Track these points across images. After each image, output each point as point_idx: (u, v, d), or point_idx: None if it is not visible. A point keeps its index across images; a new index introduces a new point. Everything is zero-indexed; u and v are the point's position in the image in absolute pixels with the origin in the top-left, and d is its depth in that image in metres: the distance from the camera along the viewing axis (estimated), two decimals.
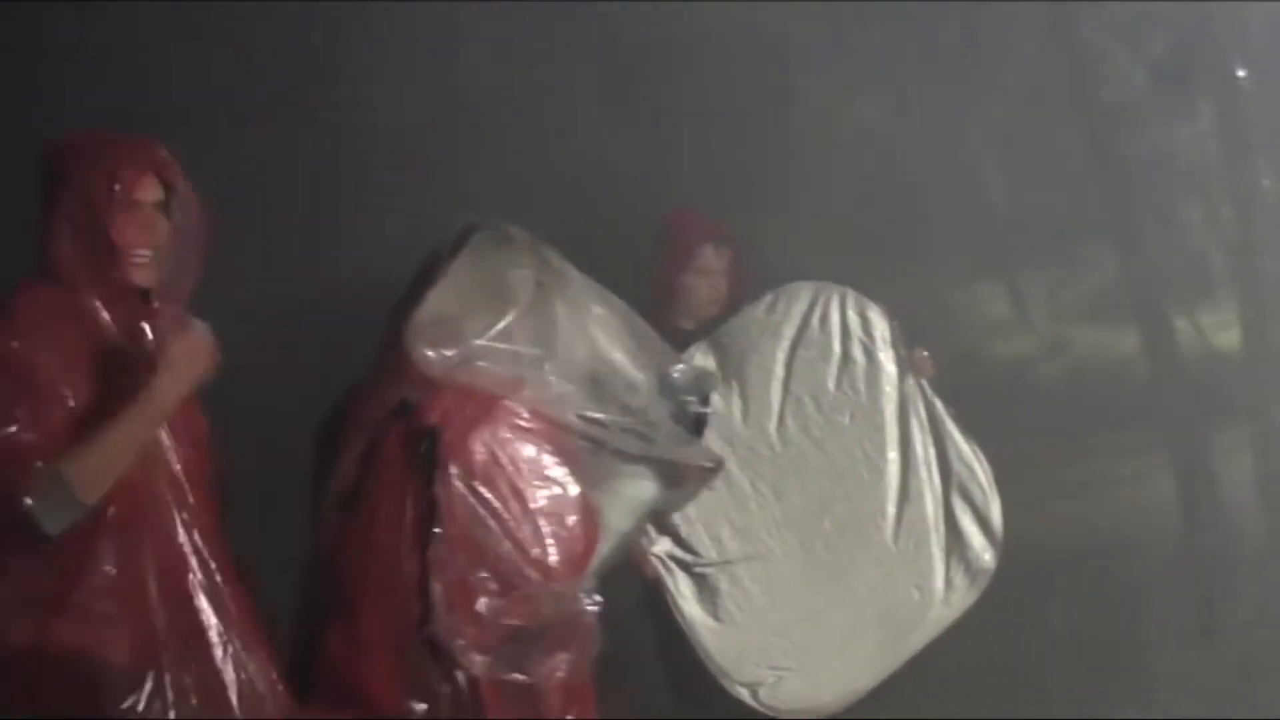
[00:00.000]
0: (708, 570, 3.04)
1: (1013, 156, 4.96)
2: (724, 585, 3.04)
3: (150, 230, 2.43)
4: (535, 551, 2.10)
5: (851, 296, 3.14)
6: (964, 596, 3.17)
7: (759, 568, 2.98)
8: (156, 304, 2.44)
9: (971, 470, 3.14)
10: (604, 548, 2.28)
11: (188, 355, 2.35)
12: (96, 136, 2.52)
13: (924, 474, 3.12)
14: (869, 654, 3.14)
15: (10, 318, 2.38)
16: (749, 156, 4.03)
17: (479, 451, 2.12)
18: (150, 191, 2.46)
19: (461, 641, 2.13)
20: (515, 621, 2.11)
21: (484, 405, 2.17)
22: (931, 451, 3.13)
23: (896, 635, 3.15)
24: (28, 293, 2.45)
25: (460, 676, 2.13)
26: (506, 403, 2.20)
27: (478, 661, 2.09)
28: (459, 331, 2.21)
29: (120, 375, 2.36)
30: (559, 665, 2.16)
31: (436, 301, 2.24)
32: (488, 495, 2.10)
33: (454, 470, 2.08)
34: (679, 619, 3.07)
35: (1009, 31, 5.10)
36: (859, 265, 3.42)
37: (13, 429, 2.27)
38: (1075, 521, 4.65)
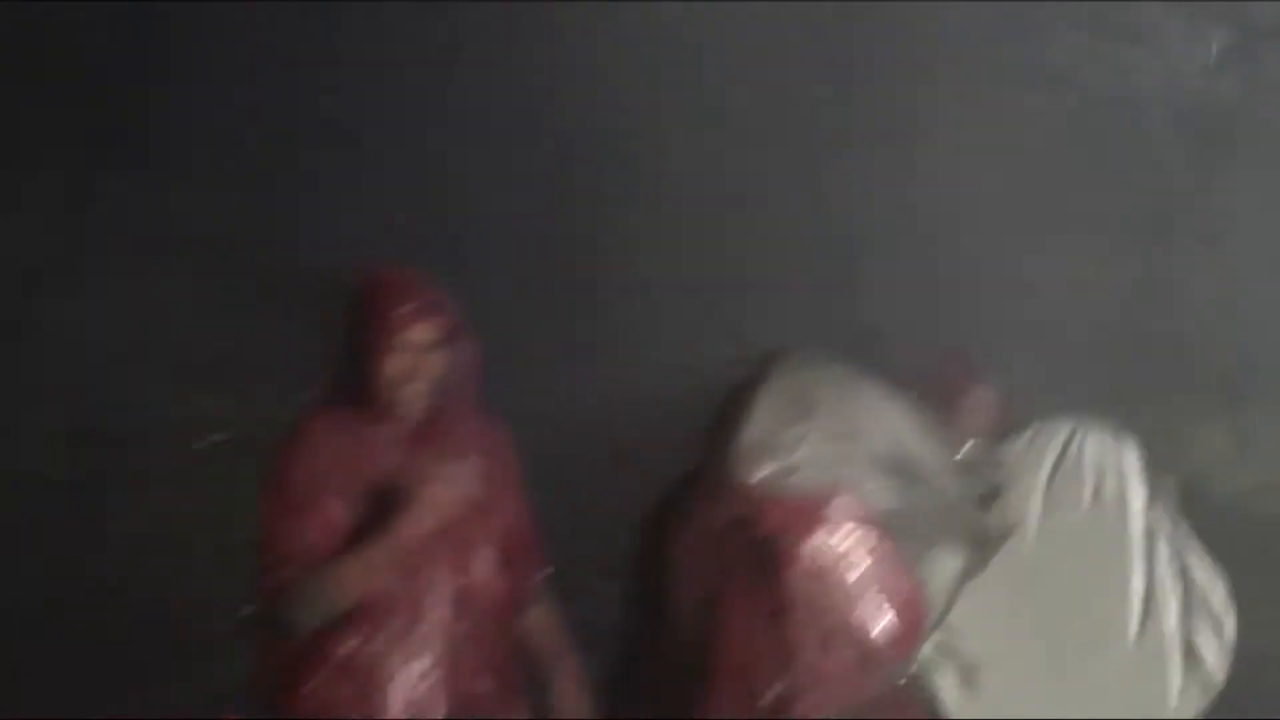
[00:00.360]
0: (971, 663, 3.36)
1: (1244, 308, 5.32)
2: (981, 678, 3.37)
3: (416, 369, 2.97)
4: (874, 632, 2.53)
5: (1107, 430, 3.51)
6: (1194, 705, 3.45)
7: (1012, 667, 3.32)
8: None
9: (1212, 588, 3.44)
10: (928, 623, 2.69)
11: (433, 498, 2.85)
12: (381, 280, 3.03)
13: (1167, 588, 3.44)
14: None
15: (295, 440, 2.97)
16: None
17: (811, 553, 2.56)
18: (420, 335, 2.99)
19: (789, 702, 2.57)
20: (858, 696, 2.56)
21: (810, 511, 2.61)
22: (1172, 569, 3.44)
23: None
24: (314, 417, 3.01)
25: None
26: (829, 505, 2.63)
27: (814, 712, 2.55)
28: (776, 450, 2.66)
29: (386, 495, 2.87)
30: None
31: (755, 427, 2.67)
32: (827, 589, 2.54)
33: (796, 571, 2.51)
34: (938, 706, 3.39)
35: None
36: (1106, 402, 3.81)
37: (281, 545, 2.88)
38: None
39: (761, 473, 2.53)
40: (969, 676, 3.20)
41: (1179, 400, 4.74)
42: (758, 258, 6.01)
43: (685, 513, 2.64)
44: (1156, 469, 3.39)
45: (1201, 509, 4.36)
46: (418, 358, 2.99)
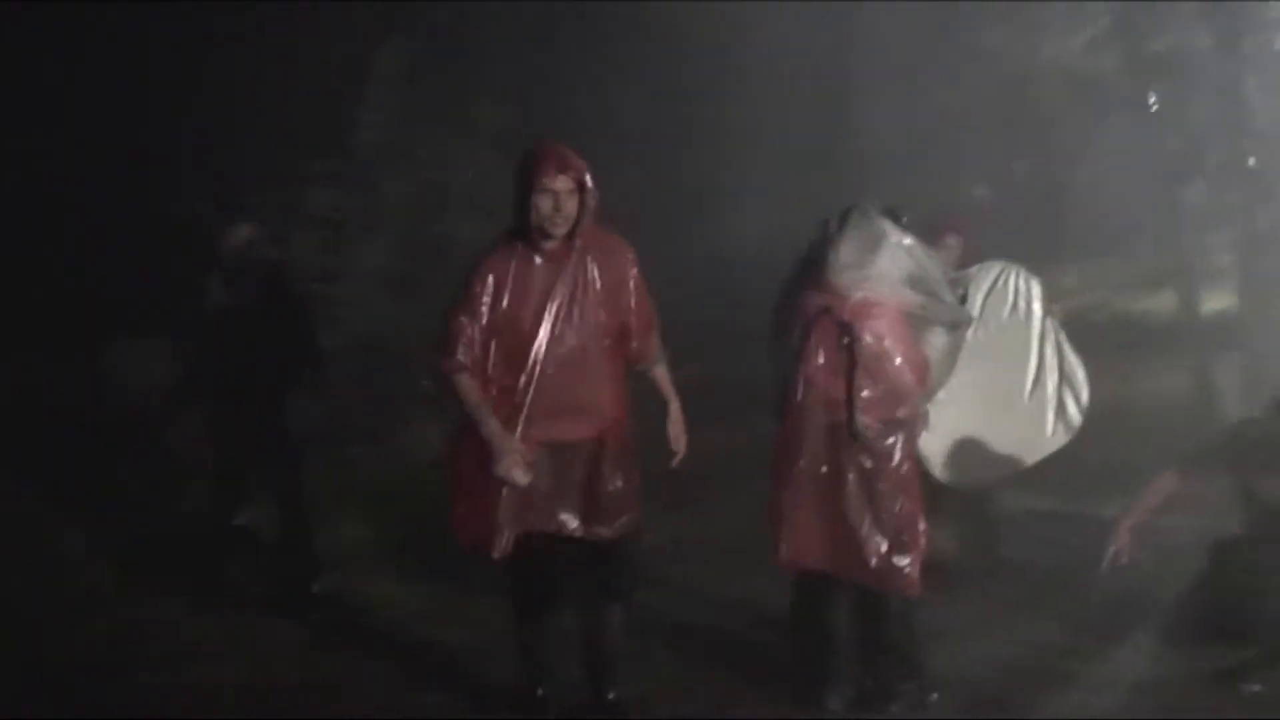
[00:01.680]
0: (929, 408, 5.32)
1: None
2: (933, 418, 5.32)
3: (558, 208, 4.08)
4: (907, 375, 4.39)
5: (1022, 269, 5.58)
6: (1060, 440, 5.57)
7: (955, 401, 5.29)
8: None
9: (1076, 370, 5.55)
10: (932, 375, 4.56)
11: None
12: (535, 148, 4.14)
13: (1049, 367, 5.54)
14: (1004, 458, 5.51)
15: (478, 265, 4.16)
16: None
17: (870, 331, 4.36)
18: (560, 183, 4.07)
19: (868, 423, 4.27)
20: (898, 414, 4.33)
21: (872, 306, 4.40)
22: (1055, 356, 5.55)
23: (1021, 452, 5.54)
24: (494, 246, 4.20)
25: (860, 440, 4.23)
26: (882, 303, 4.39)
27: (874, 434, 4.24)
28: (856, 268, 4.40)
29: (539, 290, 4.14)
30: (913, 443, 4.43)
31: (843, 251, 4.44)
32: (878, 352, 4.37)
33: (864, 338, 4.30)
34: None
35: None
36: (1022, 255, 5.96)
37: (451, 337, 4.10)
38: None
39: (846, 281, 4.32)
40: (927, 416, 5.09)
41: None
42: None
43: (786, 300, 4.47)
44: (1050, 296, 5.51)
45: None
46: (558, 199, 4.13)
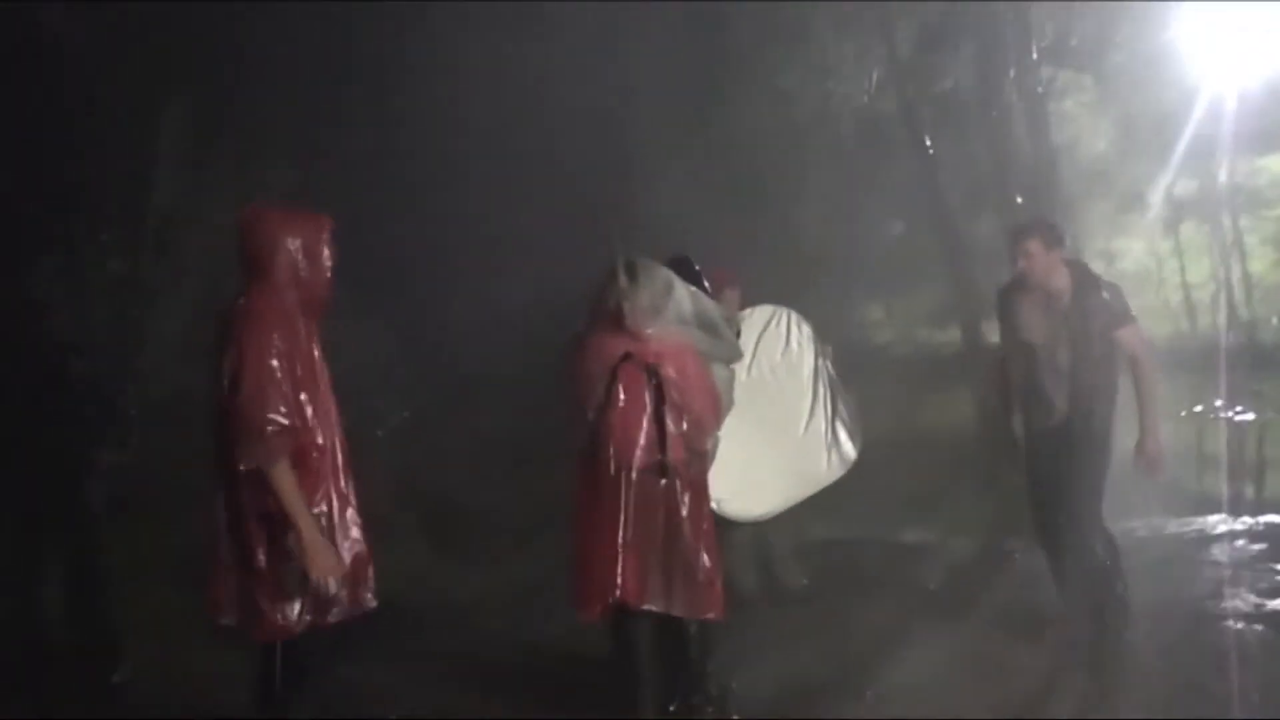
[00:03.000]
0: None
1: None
2: (720, 449, 5.75)
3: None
4: (704, 409, 4.79)
5: (794, 313, 6.07)
6: (836, 473, 6.05)
7: (733, 440, 5.72)
8: None
9: (848, 408, 6.05)
10: (721, 408, 4.95)
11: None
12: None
13: (822, 406, 6.03)
14: (780, 493, 5.95)
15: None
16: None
17: (672, 369, 4.76)
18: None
19: (677, 457, 4.81)
20: (701, 447, 4.76)
21: (670, 347, 4.81)
22: (827, 394, 6.04)
23: (795, 486, 5.99)
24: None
25: (670, 476, 4.62)
26: (677, 344, 4.80)
27: (678, 465, 4.83)
28: (654, 314, 4.78)
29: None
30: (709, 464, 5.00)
31: (641, 297, 4.81)
32: (682, 387, 4.73)
33: (666, 376, 4.69)
34: None
35: None
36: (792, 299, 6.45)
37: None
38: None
39: (648, 326, 4.69)
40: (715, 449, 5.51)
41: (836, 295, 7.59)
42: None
43: (583, 349, 4.78)
44: (822, 337, 6.02)
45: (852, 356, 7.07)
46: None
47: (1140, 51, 12.76)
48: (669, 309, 4.82)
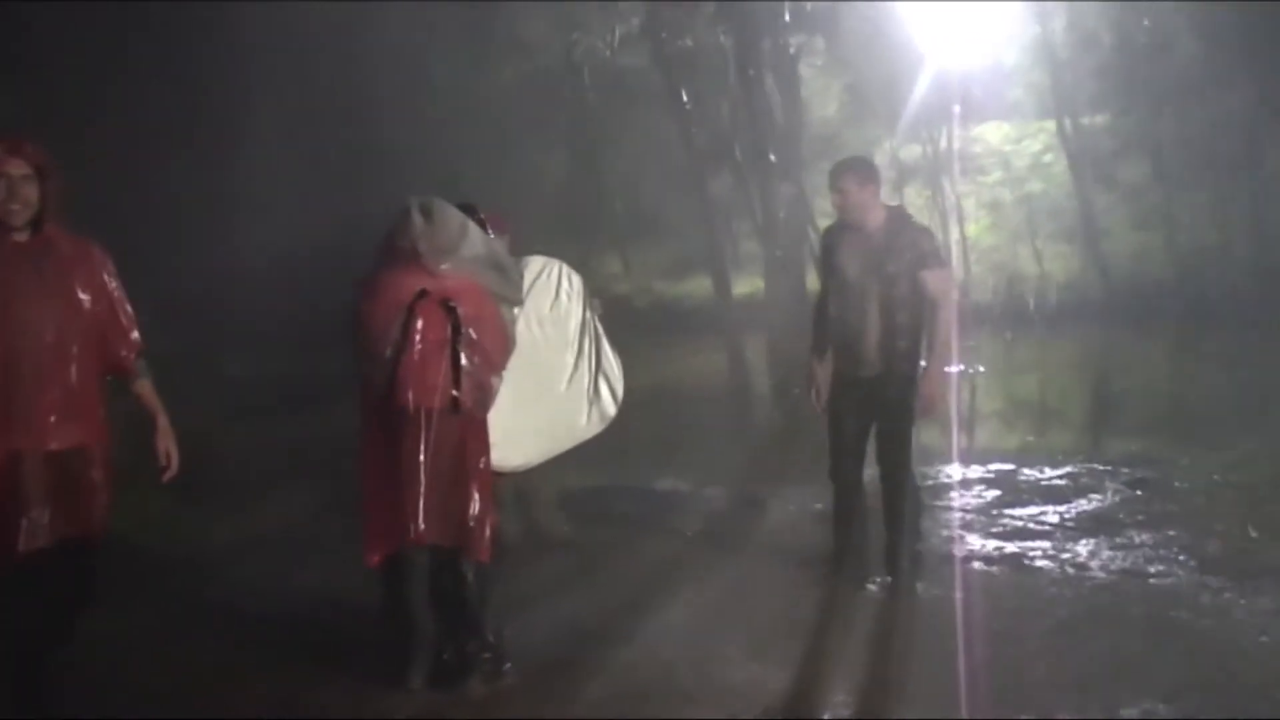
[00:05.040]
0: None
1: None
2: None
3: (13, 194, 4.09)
4: (494, 347, 4.89)
5: (564, 265, 6.23)
6: (595, 428, 6.26)
7: (505, 389, 5.84)
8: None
9: (613, 364, 6.26)
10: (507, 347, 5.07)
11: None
12: None
13: (586, 359, 6.21)
14: (539, 446, 6.08)
15: None
16: None
17: (468, 306, 4.86)
18: (13, 166, 4.09)
19: (461, 395, 4.89)
20: (490, 384, 5.10)
21: (464, 284, 4.90)
22: (593, 349, 6.23)
23: (555, 439, 6.15)
24: None
25: (457, 410, 4.73)
26: (470, 283, 4.90)
27: (469, 401, 4.97)
28: (448, 252, 4.87)
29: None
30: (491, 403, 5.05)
31: (437, 236, 4.88)
32: (476, 325, 4.83)
33: (461, 313, 4.78)
34: None
35: None
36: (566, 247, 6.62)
37: None
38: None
39: (443, 264, 4.79)
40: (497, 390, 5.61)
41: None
42: None
43: (376, 288, 4.83)
44: (591, 291, 6.23)
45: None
46: (13, 183, 4.12)
47: (871, 18, 13.49)
48: (464, 248, 4.95)
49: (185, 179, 8.73)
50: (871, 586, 5.79)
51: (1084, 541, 6.47)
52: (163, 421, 4.41)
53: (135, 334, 4.40)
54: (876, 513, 5.87)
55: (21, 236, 4.16)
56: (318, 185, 8.65)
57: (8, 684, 4.23)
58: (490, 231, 5.51)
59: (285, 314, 8.03)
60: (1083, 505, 7.22)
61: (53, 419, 4.15)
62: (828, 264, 5.88)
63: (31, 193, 4.14)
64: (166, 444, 4.40)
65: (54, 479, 4.15)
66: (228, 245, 8.42)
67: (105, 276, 4.32)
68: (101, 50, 8.90)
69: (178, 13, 8.86)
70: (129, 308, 4.38)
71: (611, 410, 6.36)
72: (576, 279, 6.30)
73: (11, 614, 4.20)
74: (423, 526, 4.67)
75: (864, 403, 5.72)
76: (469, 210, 5.13)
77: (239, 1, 8.93)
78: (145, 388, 4.42)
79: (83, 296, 4.24)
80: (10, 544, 4.07)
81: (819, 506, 6.50)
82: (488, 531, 4.83)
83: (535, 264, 6.27)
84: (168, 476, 4.41)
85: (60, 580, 4.22)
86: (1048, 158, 20.26)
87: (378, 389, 4.80)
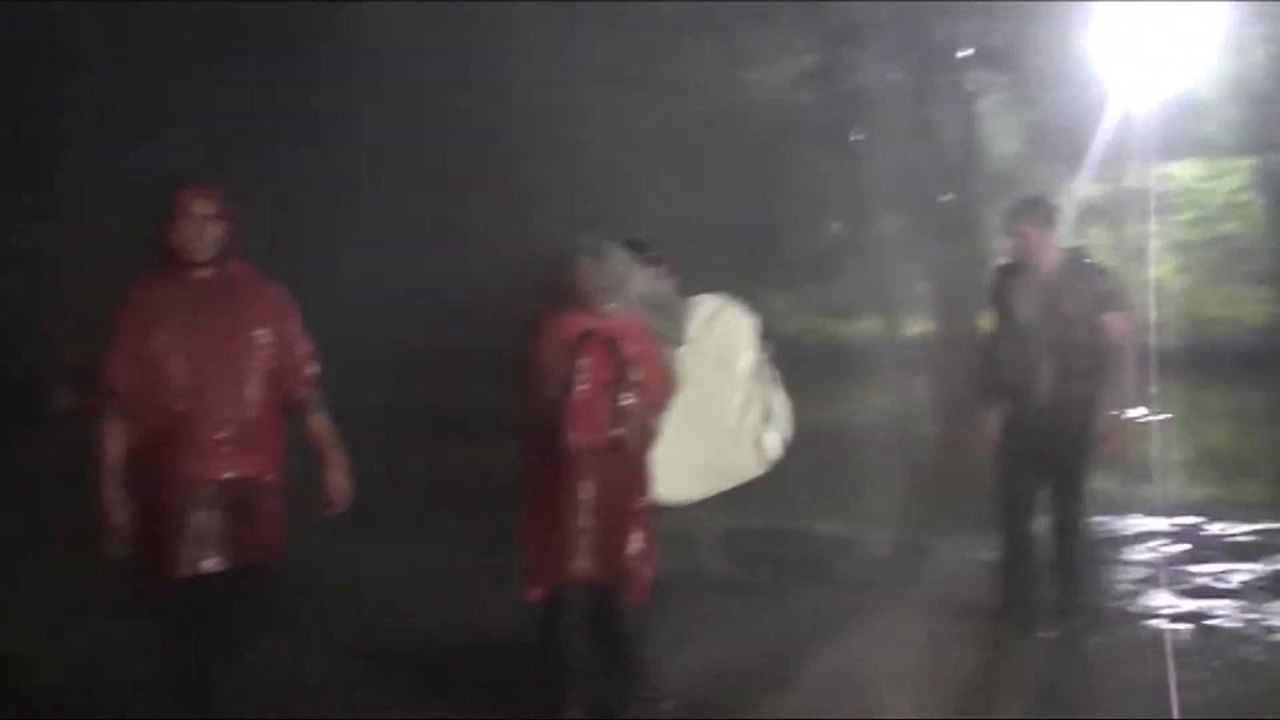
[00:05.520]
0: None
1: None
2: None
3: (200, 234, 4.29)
4: (658, 387, 4.98)
5: (738, 306, 6.24)
6: (758, 470, 6.23)
7: (669, 425, 5.86)
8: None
9: (780, 408, 6.23)
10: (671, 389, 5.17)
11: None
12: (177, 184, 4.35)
13: (754, 400, 6.19)
14: (701, 482, 6.07)
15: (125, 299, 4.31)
16: None
17: (632, 346, 4.94)
18: (199, 207, 4.29)
19: (624, 434, 4.99)
20: (649, 423, 5.14)
21: (628, 324, 4.99)
22: (761, 392, 6.21)
23: (720, 476, 6.13)
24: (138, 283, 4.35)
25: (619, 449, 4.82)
26: (635, 323, 4.98)
27: (632, 440, 5.00)
28: (614, 293, 4.96)
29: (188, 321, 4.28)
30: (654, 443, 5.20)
31: (604, 275, 4.98)
32: (640, 365, 4.97)
33: (626, 353, 4.88)
34: None
35: None
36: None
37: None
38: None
39: (609, 304, 4.88)
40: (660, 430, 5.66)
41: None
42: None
43: (542, 327, 4.95)
44: (765, 333, 6.22)
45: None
46: (199, 224, 4.31)
47: (1056, 54, 13.18)
48: (628, 288, 5.02)
49: (338, 206, 9.00)
50: (1040, 640, 5.60)
51: (1276, 603, 6.16)
52: (337, 457, 4.49)
53: (310, 368, 4.51)
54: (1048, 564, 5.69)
55: (206, 273, 4.35)
56: (475, 218, 8.82)
57: (178, 713, 4.35)
58: (658, 271, 5.54)
59: (434, 344, 8.20)
60: (1275, 564, 6.87)
61: (230, 449, 4.29)
62: (1000, 305, 5.74)
63: (215, 231, 4.32)
64: (339, 479, 4.48)
65: (229, 507, 4.27)
66: (387, 272, 8.64)
67: (283, 312, 4.47)
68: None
69: (342, 61, 9.16)
70: (305, 342, 4.51)
71: (775, 454, 6.32)
72: (748, 320, 6.29)
73: (183, 643, 4.32)
74: (582, 563, 4.72)
75: (1037, 450, 5.57)
76: (638, 247, 5.20)
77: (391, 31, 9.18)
78: (320, 422, 4.52)
79: (261, 331, 4.39)
80: (179, 569, 4.21)
81: (987, 555, 6.34)
82: (648, 571, 4.85)
83: (708, 304, 6.27)
84: (334, 511, 4.49)
85: (232, 610, 4.32)
86: (1243, 196, 19.45)
87: (541, 427, 4.86)
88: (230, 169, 5.49)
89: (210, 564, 4.22)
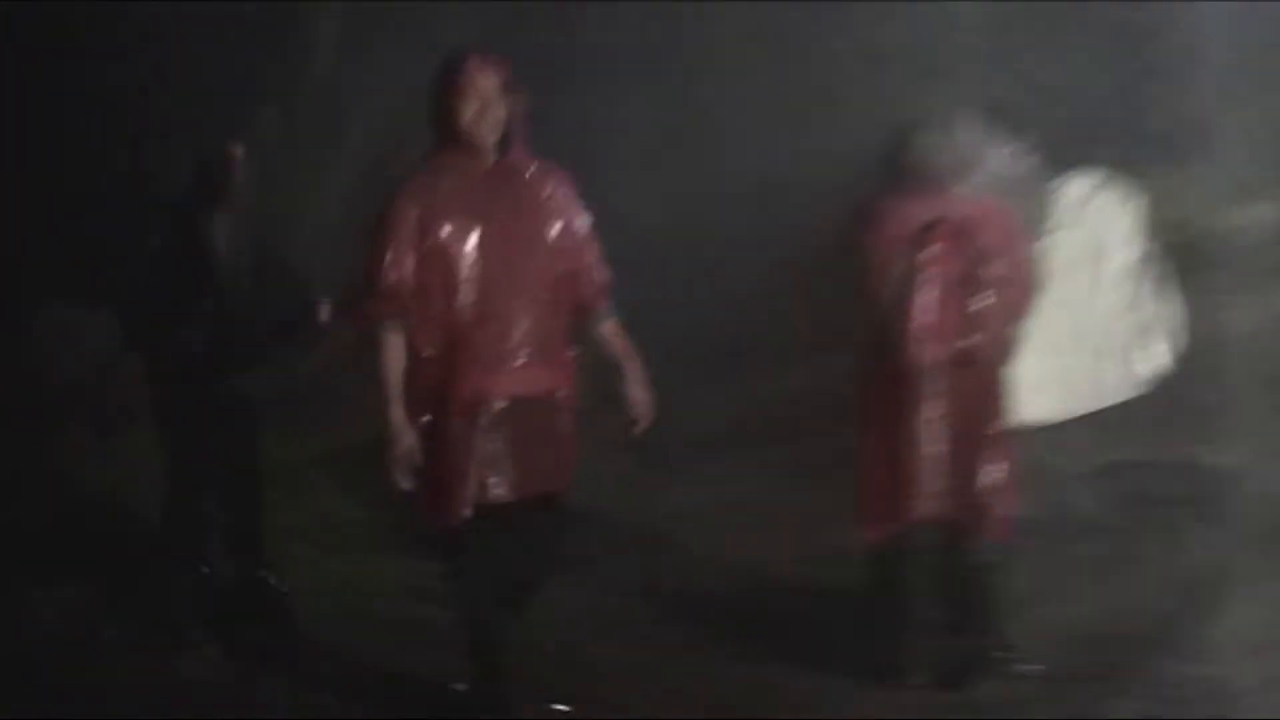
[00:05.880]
0: None
1: None
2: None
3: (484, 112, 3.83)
4: (1019, 287, 4.40)
5: (1118, 187, 5.36)
6: (1143, 384, 5.37)
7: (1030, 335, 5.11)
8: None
9: (1173, 308, 5.36)
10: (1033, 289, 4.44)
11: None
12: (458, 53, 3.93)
13: (1141, 300, 5.36)
14: (1069, 400, 5.35)
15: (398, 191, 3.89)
16: None
17: (988, 236, 4.33)
18: (484, 81, 3.80)
19: (978, 344, 4.18)
20: (1010, 331, 4.28)
21: (982, 210, 4.36)
22: (1150, 289, 5.35)
23: (1088, 395, 5.43)
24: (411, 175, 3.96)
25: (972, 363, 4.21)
26: (991, 208, 4.35)
27: (987, 352, 4.20)
28: (964, 172, 4.33)
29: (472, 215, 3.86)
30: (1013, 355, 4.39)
31: (949, 152, 4.36)
32: (998, 260, 4.22)
33: (980, 245, 4.27)
34: None
35: None
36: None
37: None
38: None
39: (956, 186, 4.21)
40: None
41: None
42: None
43: (875, 217, 4.46)
44: (1153, 222, 5.28)
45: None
46: (484, 101, 3.88)
47: None
48: (982, 166, 4.43)
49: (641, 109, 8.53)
50: None
51: None
52: (634, 368, 4.12)
53: (602, 271, 4.13)
54: None
55: (488, 160, 3.95)
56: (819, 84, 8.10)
57: (464, 655, 4.14)
58: (1019, 146, 4.75)
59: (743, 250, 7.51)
60: None
61: (521, 362, 3.94)
62: None
63: (501, 110, 3.91)
64: (638, 392, 4.08)
65: (519, 429, 3.96)
66: (669, 179, 8.07)
67: (573, 205, 4.08)
68: None
69: None
70: (595, 242, 4.12)
71: (1166, 365, 5.42)
72: (1131, 206, 5.37)
73: (470, 579, 4.07)
74: (928, 499, 4.28)
75: None
76: (995, 115, 4.40)
77: None
78: (613, 329, 4.13)
79: (553, 226, 4.01)
80: (467, 499, 3.91)
81: None
82: (1007, 508, 4.37)
83: (1079, 185, 5.37)
84: (639, 429, 4.11)
85: (524, 542, 4.05)
86: None
87: (877, 339, 4.36)
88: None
89: (500, 494, 3.93)
